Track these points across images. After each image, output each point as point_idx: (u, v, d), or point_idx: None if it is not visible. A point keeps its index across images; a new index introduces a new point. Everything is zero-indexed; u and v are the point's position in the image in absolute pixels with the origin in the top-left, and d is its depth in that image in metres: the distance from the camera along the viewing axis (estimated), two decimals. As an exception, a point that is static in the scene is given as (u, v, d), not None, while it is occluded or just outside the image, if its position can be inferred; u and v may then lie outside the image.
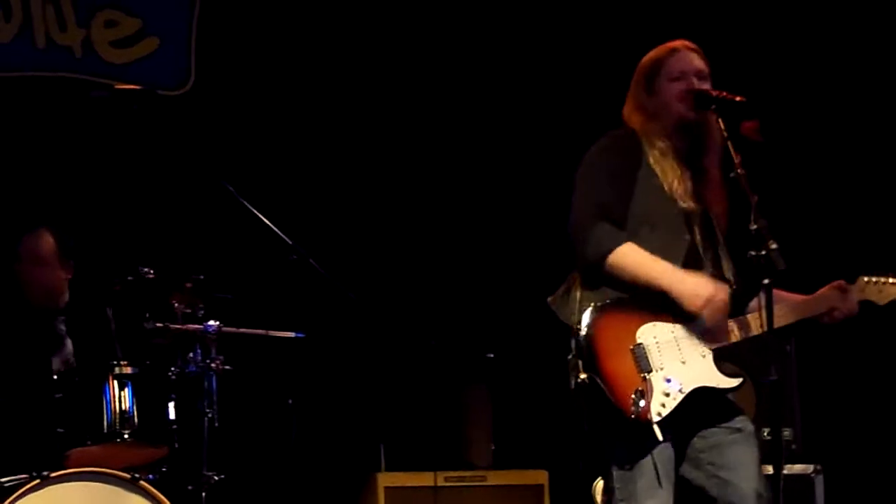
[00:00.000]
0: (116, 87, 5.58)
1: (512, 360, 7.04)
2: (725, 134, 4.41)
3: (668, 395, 4.36)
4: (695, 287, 4.39)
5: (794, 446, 6.34)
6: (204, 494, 5.61)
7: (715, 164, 4.52)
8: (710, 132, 4.51)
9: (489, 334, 7.17)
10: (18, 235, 6.12)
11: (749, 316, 4.48)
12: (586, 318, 4.39)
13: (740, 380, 4.47)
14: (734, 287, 4.49)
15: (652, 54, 4.63)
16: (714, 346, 4.45)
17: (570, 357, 4.47)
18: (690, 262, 4.48)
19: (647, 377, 4.36)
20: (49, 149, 6.96)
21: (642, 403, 4.31)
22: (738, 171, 4.35)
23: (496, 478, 6.78)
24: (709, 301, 4.38)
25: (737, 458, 4.47)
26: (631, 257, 4.40)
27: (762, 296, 4.27)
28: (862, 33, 7.41)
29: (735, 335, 4.47)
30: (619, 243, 4.41)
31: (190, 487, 5.63)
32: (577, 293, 4.50)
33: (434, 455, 6.65)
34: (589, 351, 4.37)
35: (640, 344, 4.40)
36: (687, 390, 4.39)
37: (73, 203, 6.83)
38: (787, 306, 4.50)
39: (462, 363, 6.89)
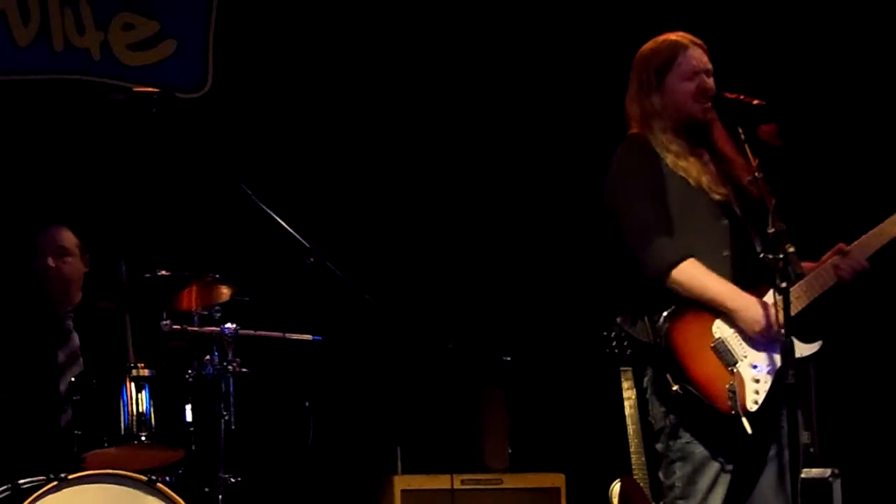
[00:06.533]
0: (134, 89, 5.59)
1: (529, 363, 7.03)
2: (744, 137, 4.39)
3: (758, 381, 4.38)
4: (757, 313, 4.38)
5: (812, 450, 6.31)
6: (220, 497, 5.62)
7: (725, 146, 4.52)
8: (713, 127, 4.52)
9: (506, 337, 7.16)
10: (34, 235, 6.13)
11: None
12: (661, 328, 4.38)
13: (819, 343, 4.48)
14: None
15: (658, 48, 4.60)
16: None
17: (646, 376, 4.48)
18: (738, 245, 4.48)
19: (735, 369, 4.36)
20: (67, 151, 6.97)
21: (738, 397, 4.30)
22: (756, 174, 4.34)
23: (513, 481, 6.76)
24: (766, 328, 4.37)
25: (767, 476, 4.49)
26: (693, 274, 4.39)
27: (780, 298, 4.25)
28: (878, 35, 7.38)
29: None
30: (681, 257, 4.39)
31: (207, 490, 5.63)
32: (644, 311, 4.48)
33: (451, 458, 6.64)
34: (673, 360, 4.36)
35: (719, 339, 4.40)
36: (775, 370, 4.38)
37: (91, 205, 6.84)
38: (800, 288, 4.44)
39: (479, 366, 6.88)
